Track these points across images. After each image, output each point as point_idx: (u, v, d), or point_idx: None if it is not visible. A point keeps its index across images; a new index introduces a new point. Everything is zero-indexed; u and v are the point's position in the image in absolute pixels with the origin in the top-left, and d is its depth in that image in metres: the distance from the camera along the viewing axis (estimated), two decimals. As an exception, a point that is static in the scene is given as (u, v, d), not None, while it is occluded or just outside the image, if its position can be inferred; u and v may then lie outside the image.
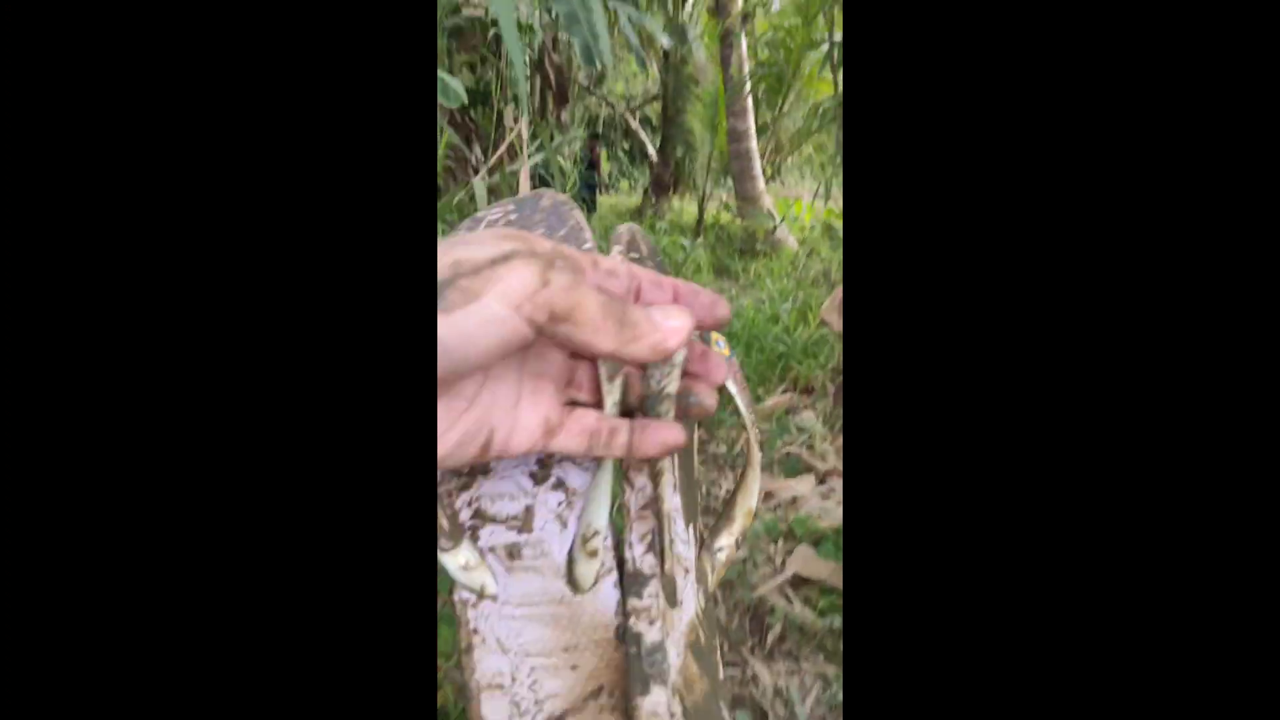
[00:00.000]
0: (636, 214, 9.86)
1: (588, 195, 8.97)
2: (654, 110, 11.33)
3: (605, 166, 13.29)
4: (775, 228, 7.12)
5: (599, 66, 5.73)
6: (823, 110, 9.39)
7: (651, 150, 10.71)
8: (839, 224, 8.06)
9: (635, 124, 10.99)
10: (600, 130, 13.40)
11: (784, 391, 3.41)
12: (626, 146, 14.44)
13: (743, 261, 6.82)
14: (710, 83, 8.27)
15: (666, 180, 9.57)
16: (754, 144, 7.30)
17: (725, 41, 7.22)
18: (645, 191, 10.28)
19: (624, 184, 14.36)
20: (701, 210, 8.62)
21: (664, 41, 7.27)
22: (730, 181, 7.91)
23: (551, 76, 8.17)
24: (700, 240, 5.72)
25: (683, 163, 8.70)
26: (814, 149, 9.91)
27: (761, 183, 7.34)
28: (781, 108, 9.31)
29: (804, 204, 8.61)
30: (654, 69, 10.67)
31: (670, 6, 9.52)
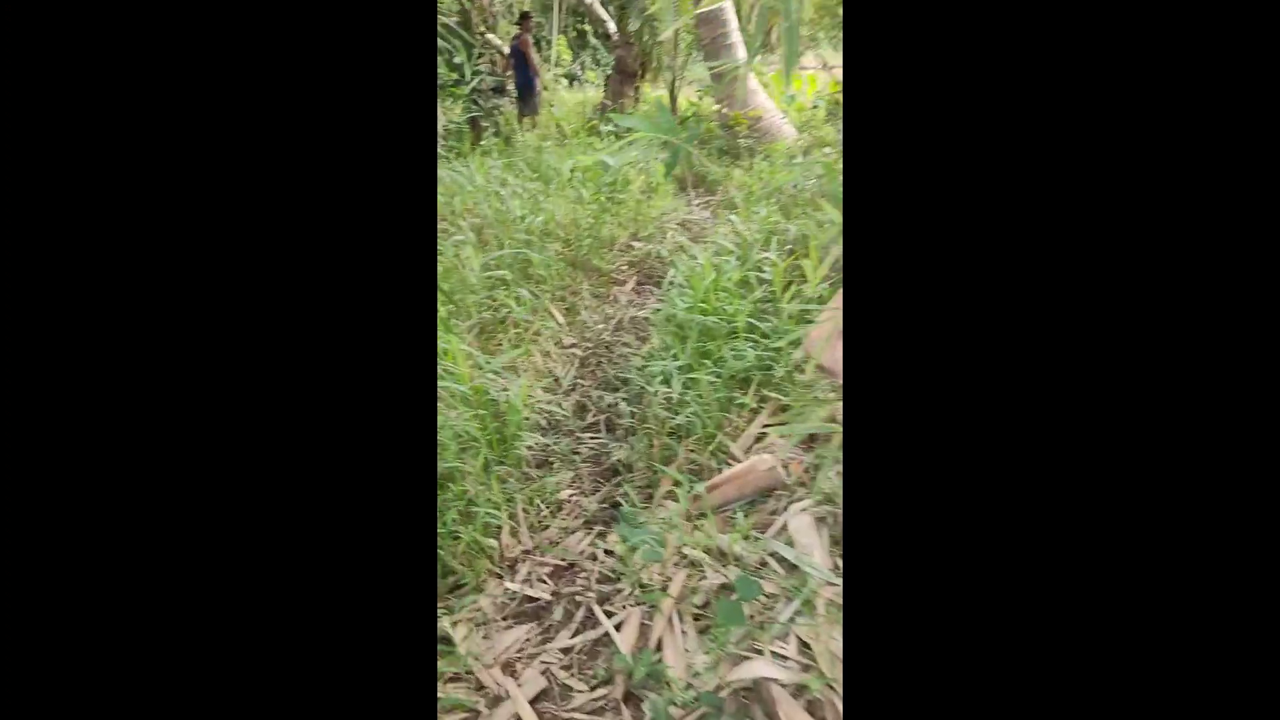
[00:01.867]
0: (598, 109, 8.07)
1: (525, 96, 7.13)
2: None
3: (565, 56, 11.23)
4: (757, 120, 5.41)
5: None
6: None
7: (612, 27, 8.74)
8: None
9: (590, -3, 8.91)
10: (552, 10, 11.24)
11: (756, 447, 2.00)
12: (589, 30, 12.26)
13: (724, 165, 5.20)
14: (667, -78, 6.29)
15: (631, 63, 7.71)
16: (727, 1, 5.47)
17: None
18: (605, 81, 8.41)
19: (591, 75, 12.28)
20: (673, 97, 6.85)
21: None
22: (702, 55, 6.07)
23: (460, -63, 6.24)
24: (634, 156, 4.11)
25: (644, 36, 6.82)
26: (814, 4, 7.89)
27: (741, 50, 5.55)
28: (765, -49, 7.29)
29: (802, 78, 6.80)
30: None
31: None
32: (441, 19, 6.46)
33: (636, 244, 3.56)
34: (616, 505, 1.85)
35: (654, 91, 9.10)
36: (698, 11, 5.41)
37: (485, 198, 3.43)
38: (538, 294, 2.79)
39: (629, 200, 3.81)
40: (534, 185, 3.91)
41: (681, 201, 4.51)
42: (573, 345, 2.71)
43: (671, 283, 2.88)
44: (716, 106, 5.52)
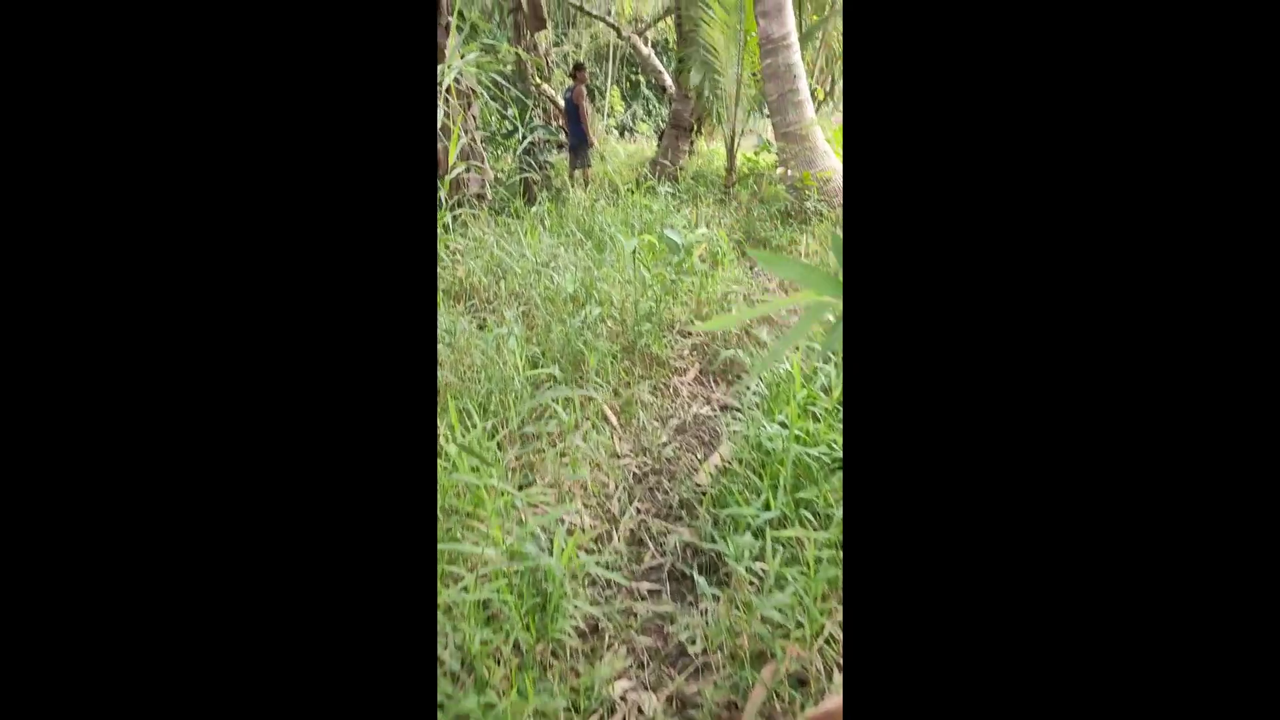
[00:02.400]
0: (652, 164, 7.81)
1: (577, 149, 6.89)
2: (670, 29, 9.10)
3: (618, 107, 11.13)
4: (826, 181, 5.02)
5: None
6: None
7: (668, 80, 8.56)
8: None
9: (646, 50, 8.79)
10: (608, 61, 11.20)
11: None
12: (641, 80, 12.18)
13: (786, 231, 4.81)
14: (732, -23, 6.06)
15: (687, 118, 7.45)
16: (796, 55, 5.14)
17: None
18: (659, 134, 8.18)
19: (642, 126, 12.16)
20: (732, 153, 6.54)
21: (663, -79, 5.10)
22: (768, 111, 5.74)
23: (520, -10, 6.12)
24: (702, 234, 3.73)
25: (703, 91, 6.55)
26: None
27: (810, 108, 5.21)
28: (831, 3, 6.99)
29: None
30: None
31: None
32: (497, 71, 6.30)
33: (699, 324, 3.14)
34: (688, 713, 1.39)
35: (709, 145, 8.84)
36: (765, 63, 5.10)
37: (535, 276, 3.08)
38: (588, 387, 2.38)
39: (689, 270, 3.41)
40: (586, 258, 3.56)
41: (746, 271, 4.11)
42: (627, 456, 2.28)
43: (748, 389, 2.45)
44: (782, 169, 5.15)
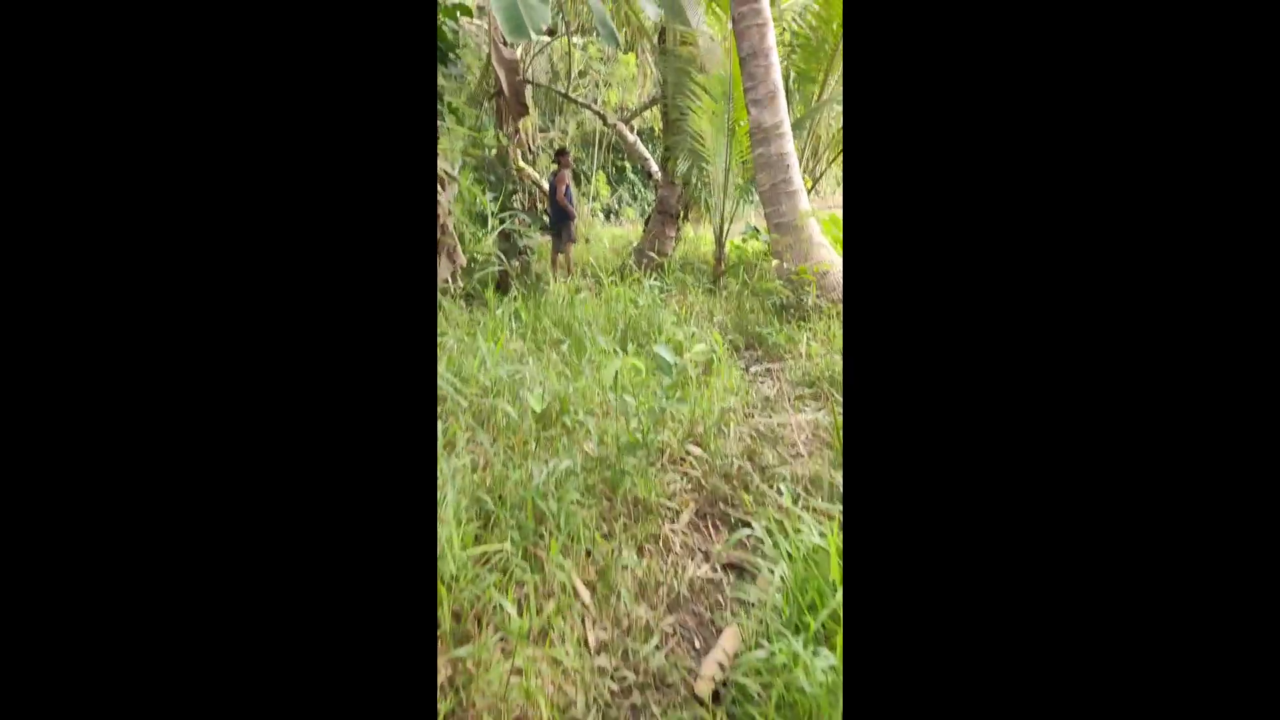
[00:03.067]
0: (636, 252, 7.52)
1: (559, 232, 6.61)
2: (656, 118, 9.05)
3: (604, 191, 11.02)
4: (823, 274, 4.67)
5: (532, 38, 3.48)
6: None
7: (654, 166, 8.41)
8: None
9: (632, 137, 8.68)
10: (594, 147, 11.18)
11: None
12: (627, 166, 12.19)
13: (783, 327, 4.40)
14: (720, 66, 5.92)
15: (673, 204, 7.21)
16: (789, 144, 4.90)
17: (737, 7, 4.89)
18: (645, 220, 7.93)
19: (629, 210, 12.07)
20: (720, 241, 6.24)
21: (650, 12, 4.94)
22: (757, 197, 5.46)
23: (501, 76, 5.90)
24: (701, 350, 3.30)
25: (690, 178, 6.30)
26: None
27: (803, 199, 4.92)
28: (820, 94, 6.90)
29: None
30: (649, 64, 8.42)
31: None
32: (483, 152, 6.02)
33: (694, 449, 2.64)
34: None
35: (696, 231, 8.63)
36: (757, 153, 4.83)
37: (496, 392, 2.58)
38: (550, 564, 1.84)
39: (683, 396, 2.93)
40: (561, 362, 3.08)
41: (742, 376, 3.65)
42: (602, 647, 1.73)
43: (765, 557, 1.93)
44: (777, 260, 4.81)
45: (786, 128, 4.86)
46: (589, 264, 8.15)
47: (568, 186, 6.66)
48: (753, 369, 4.10)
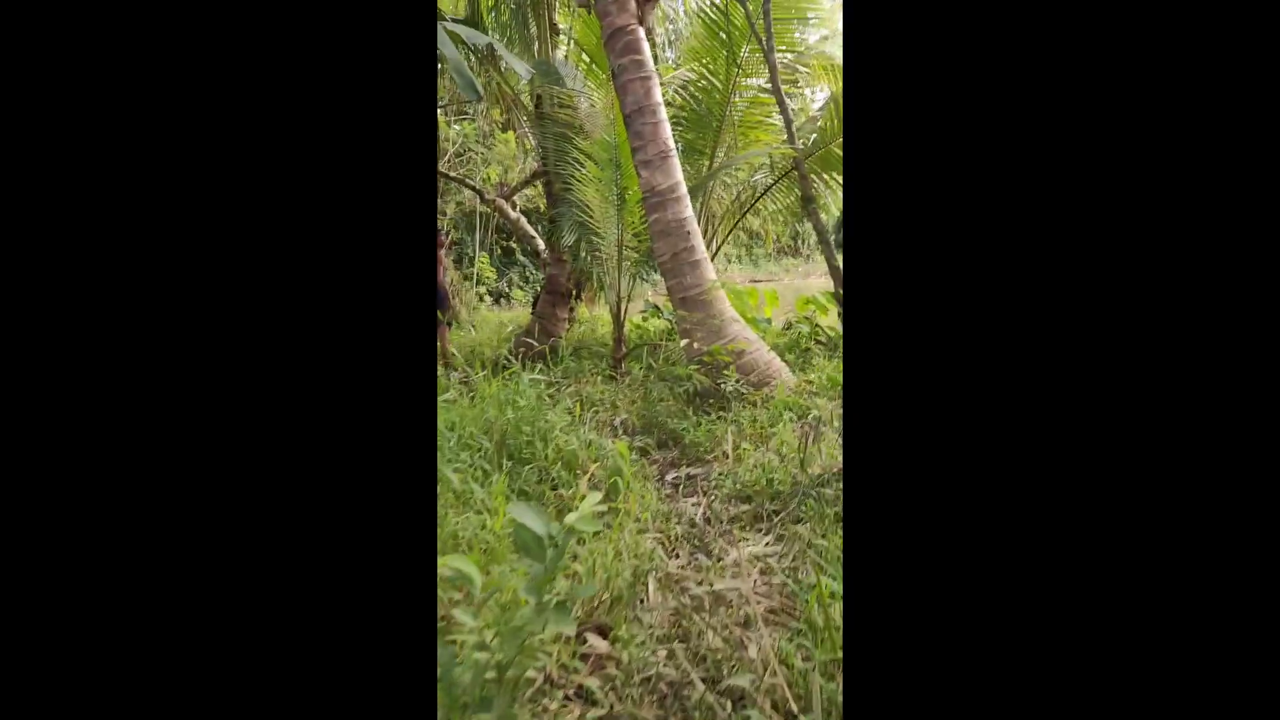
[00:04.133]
0: (520, 336, 6.67)
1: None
2: (539, 193, 8.44)
3: (489, 274, 10.20)
4: (740, 354, 4.00)
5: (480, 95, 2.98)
6: (772, 162, 6.68)
7: (540, 244, 7.71)
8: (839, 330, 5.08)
9: (515, 214, 7.99)
10: (475, 228, 10.42)
11: None
12: (516, 247, 11.48)
13: (702, 420, 3.63)
14: (604, 130, 5.35)
15: (563, 283, 6.47)
16: (687, 208, 4.29)
17: (616, 59, 4.35)
18: (534, 303, 7.15)
19: (518, 293, 11.29)
20: (619, 320, 5.52)
21: (520, 70, 4.30)
22: (659, 274, 4.78)
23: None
24: (595, 513, 2.41)
25: (580, 252, 5.59)
26: (769, 218, 7.09)
27: (708, 268, 4.28)
28: (710, 163, 6.49)
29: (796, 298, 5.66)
30: (529, 140, 7.84)
31: (537, 36, 6.78)
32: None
33: (596, 642, 1.72)
34: None
35: (592, 311, 7.91)
36: (652, 219, 4.16)
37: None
38: None
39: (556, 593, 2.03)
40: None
41: (661, 497, 2.80)
42: None
43: None
44: (686, 340, 4.09)
45: (683, 190, 4.27)
46: (461, 353, 7.20)
47: (444, 268, 5.85)
48: (670, 476, 3.27)
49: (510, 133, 8.77)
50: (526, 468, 2.74)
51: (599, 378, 5.21)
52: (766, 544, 2.42)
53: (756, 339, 4.21)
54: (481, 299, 10.92)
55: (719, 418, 3.63)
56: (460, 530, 2.02)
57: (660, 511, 2.60)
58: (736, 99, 6.49)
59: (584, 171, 5.36)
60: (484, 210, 9.07)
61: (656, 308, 6.91)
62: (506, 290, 11.97)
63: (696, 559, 2.35)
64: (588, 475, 2.51)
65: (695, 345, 3.99)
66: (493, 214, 8.88)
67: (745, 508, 2.71)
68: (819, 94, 7.62)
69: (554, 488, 2.72)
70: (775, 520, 2.55)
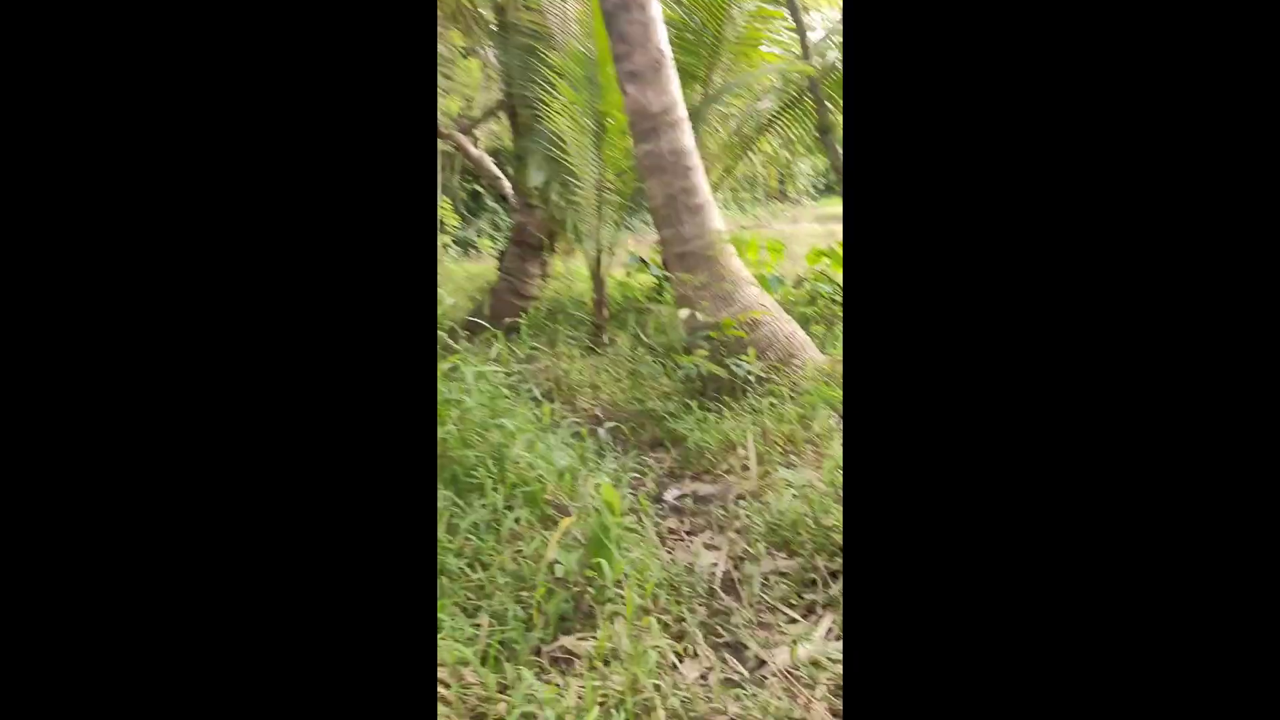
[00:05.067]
0: (489, 292, 5.73)
1: None
2: (504, 127, 7.34)
3: (451, 221, 9.11)
4: (755, 326, 3.13)
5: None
6: (785, 85, 5.64)
7: (507, 187, 6.69)
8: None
9: (477, 151, 6.95)
10: (438, 168, 9.28)
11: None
12: (483, 190, 10.32)
13: (710, 420, 2.77)
14: (579, 39, 4.32)
15: (533, 233, 5.49)
16: (686, 135, 3.33)
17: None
18: (500, 257, 6.18)
19: (485, 243, 10.20)
20: (599, 279, 4.60)
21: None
22: (653, 221, 3.84)
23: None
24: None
25: (549, 196, 4.61)
26: (771, 156, 6.07)
27: (714, 214, 3.36)
28: (705, 91, 5.46)
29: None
30: (493, 64, 6.72)
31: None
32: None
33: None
34: None
35: (568, 264, 6.93)
36: (641, 152, 3.22)
37: None
38: None
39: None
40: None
41: (655, 521, 1.98)
42: None
43: None
44: (686, 311, 3.19)
45: (681, 112, 3.31)
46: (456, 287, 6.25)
47: None
48: (671, 495, 2.44)
49: (473, 59, 7.61)
50: (472, 511, 1.88)
51: (577, 351, 4.33)
52: (829, 632, 1.61)
53: (774, 305, 3.33)
54: (445, 249, 9.82)
55: (732, 412, 2.78)
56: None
57: (665, 577, 1.77)
58: (735, 12, 5.43)
59: (555, 95, 4.35)
60: (446, 149, 7.95)
61: (643, 260, 5.96)
62: (475, 238, 10.86)
63: (725, 663, 1.54)
64: (559, 534, 1.66)
65: (696, 315, 3.11)
66: (454, 152, 7.79)
67: (788, 562, 1.90)
68: (831, 14, 6.54)
69: (514, 536, 1.87)
70: (835, 587, 1.74)
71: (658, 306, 4.32)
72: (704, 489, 2.44)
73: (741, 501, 2.26)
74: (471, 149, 7.02)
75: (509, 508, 1.94)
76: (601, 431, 2.82)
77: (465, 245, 10.61)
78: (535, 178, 4.45)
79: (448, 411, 2.25)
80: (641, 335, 4.05)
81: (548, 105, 4.38)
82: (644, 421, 3.03)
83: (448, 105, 8.04)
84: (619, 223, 4.63)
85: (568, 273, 6.67)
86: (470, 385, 2.34)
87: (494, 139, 8.83)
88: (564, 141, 4.43)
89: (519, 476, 2.07)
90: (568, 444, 2.41)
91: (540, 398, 2.84)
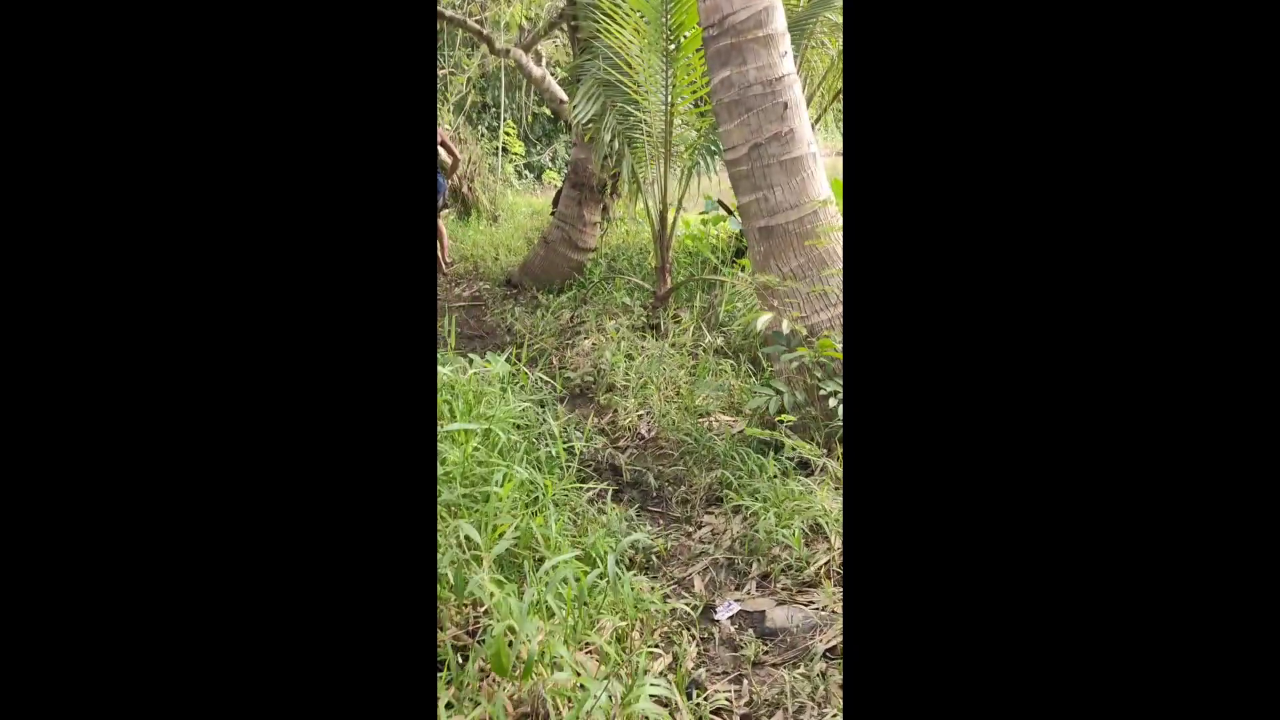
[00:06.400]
0: (541, 241, 4.95)
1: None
2: (564, 41, 6.31)
3: (516, 148, 8.25)
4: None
5: None
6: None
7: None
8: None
9: (539, 69, 6.04)
10: (501, 88, 8.35)
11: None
12: (545, 114, 9.31)
13: (788, 462, 1.93)
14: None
15: (591, 172, 4.60)
16: (784, 58, 2.33)
17: None
18: (555, 200, 5.35)
19: (551, 174, 9.28)
20: (662, 237, 3.71)
21: None
22: (725, 156, 2.91)
23: None
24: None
25: (600, 131, 3.68)
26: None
27: (820, 173, 2.38)
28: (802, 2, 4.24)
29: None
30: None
31: None
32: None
33: None
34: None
35: (633, 209, 5.97)
36: (718, 78, 2.27)
37: None
38: None
39: None
40: None
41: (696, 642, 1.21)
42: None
43: None
44: (770, 312, 2.28)
45: (778, 22, 2.30)
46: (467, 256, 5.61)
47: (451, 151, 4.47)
48: (723, 612, 1.66)
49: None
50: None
51: (627, 325, 3.52)
52: None
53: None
54: (518, 176, 8.99)
55: (826, 477, 1.92)
56: None
57: None
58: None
59: (617, 2, 3.36)
60: (509, 64, 7.02)
61: (726, 209, 4.93)
62: (550, 164, 9.97)
63: None
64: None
65: (781, 319, 2.20)
66: (511, 67, 6.86)
67: None
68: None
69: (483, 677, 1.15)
70: None
71: (730, 281, 3.41)
72: (777, 615, 1.63)
73: (830, 652, 1.45)
74: (534, 68, 6.08)
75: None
76: (642, 539, 1.99)
77: (538, 171, 9.75)
78: (584, 108, 3.52)
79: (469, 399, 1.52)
80: (704, 327, 3.19)
81: (607, 14, 3.40)
82: (694, 467, 2.22)
83: (512, 13, 7.04)
84: (691, 169, 3.67)
85: (636, 214, 5.73)
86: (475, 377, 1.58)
87: (562, 51, 7.81)
88: (628, 59, 3.46)
89: (524, 543, 1.33)
90: (572, 540, 1.64)
91: (556, 434, 2.07)
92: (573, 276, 4.68)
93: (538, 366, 3.29)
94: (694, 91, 3.43)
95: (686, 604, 1.66)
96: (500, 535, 1.46)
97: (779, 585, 1.72)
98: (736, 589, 1.75)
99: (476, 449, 1.79)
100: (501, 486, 1.66)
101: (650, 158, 3.67)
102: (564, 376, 3.13)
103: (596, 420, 2.79)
